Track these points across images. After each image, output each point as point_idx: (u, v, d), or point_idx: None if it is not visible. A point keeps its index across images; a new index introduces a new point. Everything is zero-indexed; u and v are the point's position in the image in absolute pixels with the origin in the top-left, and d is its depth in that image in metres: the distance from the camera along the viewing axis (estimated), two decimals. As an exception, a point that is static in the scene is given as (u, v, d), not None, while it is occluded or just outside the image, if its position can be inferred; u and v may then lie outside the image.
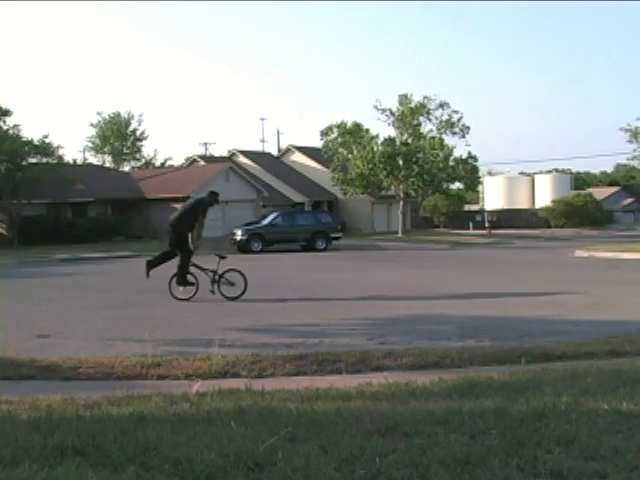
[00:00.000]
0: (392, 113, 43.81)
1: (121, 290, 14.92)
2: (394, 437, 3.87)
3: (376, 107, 43.86)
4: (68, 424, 4.19)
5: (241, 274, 12.60)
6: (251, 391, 5.27)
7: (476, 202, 66.97)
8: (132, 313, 11.12)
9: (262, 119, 78.31)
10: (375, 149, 42.62)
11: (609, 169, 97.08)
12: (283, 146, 59.70)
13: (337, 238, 31.78)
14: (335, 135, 45.47)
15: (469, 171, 44.37)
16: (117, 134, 62.67)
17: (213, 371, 6.35)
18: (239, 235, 30.29)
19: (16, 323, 9.96)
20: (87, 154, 63.76)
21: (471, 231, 51.30)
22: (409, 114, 42.96)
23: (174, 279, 12.59)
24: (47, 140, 35.26)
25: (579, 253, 25.88)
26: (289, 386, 5.51)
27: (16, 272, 20.59)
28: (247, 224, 32.99)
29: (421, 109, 43.10)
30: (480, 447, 3.64)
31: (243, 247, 29.55)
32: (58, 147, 36.41)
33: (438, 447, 3.65)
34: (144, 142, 64.97)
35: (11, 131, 34.89)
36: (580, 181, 77.65)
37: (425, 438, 3.81)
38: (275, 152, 59.76)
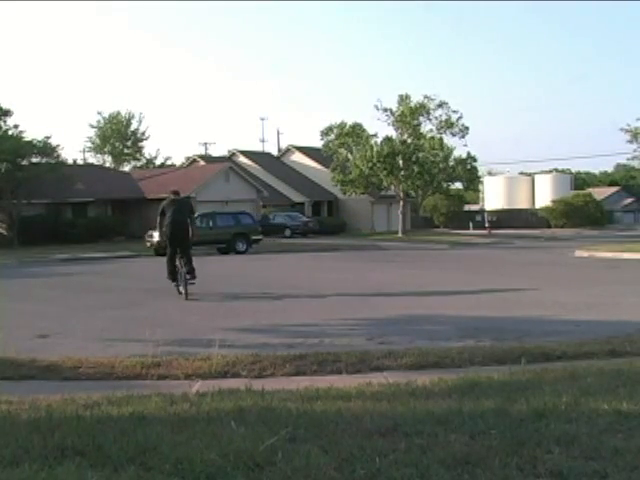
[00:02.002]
0: (392, 113, 43.83)
1: (121, 290, 14.92)
2: (394, 437, 3.87)
3: (376, 107, 43.94)
4: (68, 424, 4.19)
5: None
6: (251, 391, 5.26)
7: (476, 202, 66.93)
8: (132, 313, 11.11)
9: (262, 119, 78.50)
10: (374, 148, 42.63)
11: (609, 169, 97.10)
12: (283, 146, 59.80)
13: (258, 240, 30.53)
14: (334, 136, 45.48)
15: (468, 171, 44.39)
16: (117, 134, 62.63)
17: (213, 371, 6.34)
18: (157, 237, 27.35)
19: (16, 323, 9.96)
20: (87, 154, 63.80)
21: (471, 231, 51.29)
22: (409, 114, 42.97)
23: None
24: (48, 141, 35.31)
25: (579, 253, 25.87)
26: (289, 386, 5.50)
27: (16, 272, 20.59)
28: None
29: (420, 109, 43.10)
30: (480, 447, 3.64)
31: (161, 249, 27.79)
32: (58, 146, 36.37)
33: (438, 447, 3.65)
34: (145, 142, 65.03)
35: (11, 131, 34.91)
36: (580, 181, 77.61)
37: (425, 438, 3.81)
38: (275, 152, 59.80)
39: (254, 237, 30.45)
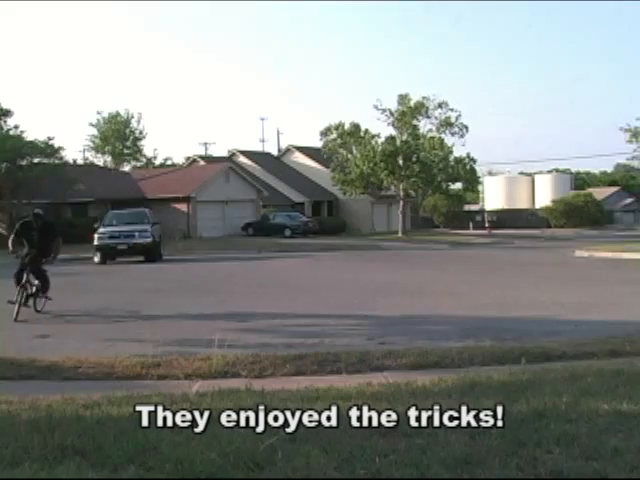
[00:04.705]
0: (392, 113, 43.82)
1: (121, 290, 14.92)
2: (394, 437, 3.86)
3: (376, 107, 43.90)
4: (68, 424, 4.19)
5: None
6: (251, 391, 5.27)
7: (476, 202, 66.93)
8: (132, 313, 11.12)
9: (262, 119, 77.68)
10: (376, 148, 42.62)
11: (609, 169, 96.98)
12: (283, 146, 59.70)
13: None
14: (334, 136, 45.44)
15: (467, 171, 44.36)
16: (117, 134, 62.61)
17: (213, 371, 6.35)
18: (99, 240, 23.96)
19: (16, 323, 9.96)
20: (87, 154, 63.74)
21: (471, 231, 51.28)
22: (409, 113, 42.96)
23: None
24: (50, 142, 35.29)
25: (579, 253, 25.87)
26: (289, 386, 5.51)
27: (16, 272, 20.55)
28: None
29: (420, 108, 43.08)
30: (480, 447, 3.64)
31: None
32: (60, 148, 36.36)
33: (438, 447, 3.65)
34: (143, 141, 64.93)
35: (12, 131, 34.90)
36: (580, 181, 77.52)
37: (425, 438, 3.81)
38: (275, 152, 59.74)
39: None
